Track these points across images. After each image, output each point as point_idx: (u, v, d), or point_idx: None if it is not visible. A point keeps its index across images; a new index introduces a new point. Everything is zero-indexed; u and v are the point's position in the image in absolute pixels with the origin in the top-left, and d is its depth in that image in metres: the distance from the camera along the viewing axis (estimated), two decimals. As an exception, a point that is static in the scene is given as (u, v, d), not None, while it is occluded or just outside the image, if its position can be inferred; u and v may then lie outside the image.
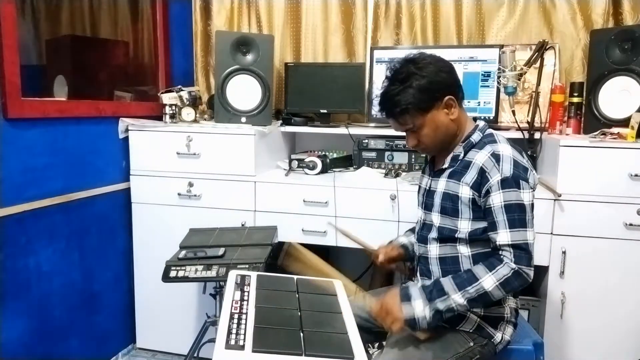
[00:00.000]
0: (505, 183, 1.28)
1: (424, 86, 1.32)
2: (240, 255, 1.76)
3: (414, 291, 1.31)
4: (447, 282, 1.30)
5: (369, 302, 1.34)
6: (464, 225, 1.36)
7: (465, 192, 1.34)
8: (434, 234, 1.42)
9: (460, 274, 1.32)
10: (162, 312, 2.38)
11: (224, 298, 1.28)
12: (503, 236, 1.28)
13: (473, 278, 1.28)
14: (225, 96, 2.34)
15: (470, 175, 1.34)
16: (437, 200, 1.41)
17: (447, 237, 1.39)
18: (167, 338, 2.40)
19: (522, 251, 1.28)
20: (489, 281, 1.26)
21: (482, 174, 1.31)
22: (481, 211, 1.34)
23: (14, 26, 1.72)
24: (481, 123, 1.42)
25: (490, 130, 1.41)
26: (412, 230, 1.66)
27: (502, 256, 1.28)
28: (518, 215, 1.28)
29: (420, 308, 1.28)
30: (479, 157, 1.33)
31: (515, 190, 1.28)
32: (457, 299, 1.27)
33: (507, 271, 1.26)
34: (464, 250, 1.38)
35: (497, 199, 1.28)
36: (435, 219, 1.42)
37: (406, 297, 1.31)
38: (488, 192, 1.30)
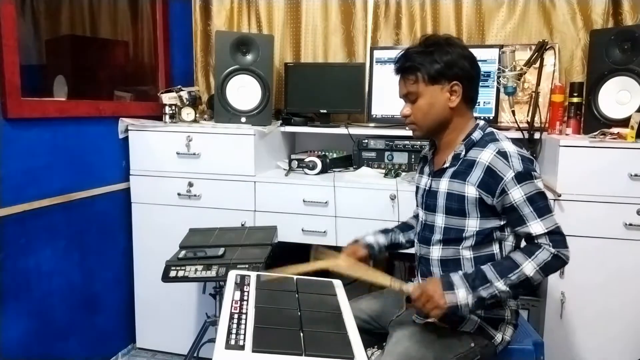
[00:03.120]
0: (520, 177, 1.29)
1: (443, 60, 1.34)
2: (240, 255, 1.76)
3: (456, 279, 1.32)
4: (489, 270, 1.31)
5: (406, 288, 1.35)
6: (472, 224, 1.36)
7: (471, 191, 1.33)
8: (437, 235, 1.42)
9: (500, 261, 1.33)
10: (162, 312, 2.38)
11: (223, 298, 1.28)
12: (536, 227, 1.29)
13: (514, 265, 1.29)
14: (225, 96, 2.34)
15: (476, 175, 1.33)
16: (441, 201, 1.40)
17: (452, 238, 1.39)
18: (167, 338, 2.40)
19: (557, 235, 1.29)
20: (529, 267, 1.27)
21: (491, 174, 1.31)
22: (490, 210, 1.34)
23: (14, 26, 1.72)
24: (481, 122, 1.42)
25: (490, 129, 1.41)
26: (383, 231, 1.64)
27: (539, 243, 1.30)
28: (542, 203, 1.30)
29: (463, 296, 1.29)
30: (484, 156, 1.33)
31: (532, 182, 1.30)
32: (500, 286, 1.28)
33: (546, 256, 1.27)
34: (467, 254, 1.38)
35: (517, 194, 1.29)
36: (440, 220, 1.41)
37: (449, 286, 1.31)
38: (504, 191, 1.30)
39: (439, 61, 1.34)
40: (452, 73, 1.35)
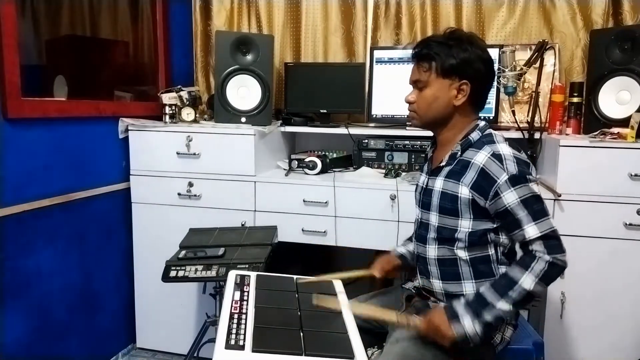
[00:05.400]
0: (514, 180, 1.28)
1: (460, 57, 1.34)
2: (240, 255, 1.76)
3: (460, 308, 1.31)
4: (488, 292, 1.29)
5: (413, 321, 1.34)
6: (465, 225, 1.35)
7: (464, 192, 1.33)
8: (432, 234, 1.42)
9: (497, 280, 1.32)
10: (162, 312, 2.38)
11: (223, 298, 1.29)
12: (531, 230, 1.28)
13: (512, 282, 1.27)
14: (225, 96, 2.34)
15: (470, 176, 1.33)
16: (435, 199, 1.40)
17: (446, 237, 1.39)
18: (167, 338, 2.40)
19: (553, 239, 1.28)
20: (527, 280, 1.26)
21: (485, 176, 1.30)
22: (483, 213, 1.33)
23: (14, 26, 1.72)
24: (481, 123, 1.42)
25: (489, 130, 1.41)
26: (410, 239, 1.65)
27: (533, 252, 1.28)
28: (538, 207, 1.29)
29: (469, 325, 1.28)
30: (478, 158, 1.33)
31: (526, 185, 1.29)
32: (502, 306, 1.27)
33: (542, 265, 1.26)
34: (462, 254, 1.37)
35: (511, 198, 1.28)
36: (434, 218, 1.41)
37: (454, 316, 1.30)
38: (497, 194, 1.29)
39: (455, 57, 1.34)
40: (465, 72, 1.35)
